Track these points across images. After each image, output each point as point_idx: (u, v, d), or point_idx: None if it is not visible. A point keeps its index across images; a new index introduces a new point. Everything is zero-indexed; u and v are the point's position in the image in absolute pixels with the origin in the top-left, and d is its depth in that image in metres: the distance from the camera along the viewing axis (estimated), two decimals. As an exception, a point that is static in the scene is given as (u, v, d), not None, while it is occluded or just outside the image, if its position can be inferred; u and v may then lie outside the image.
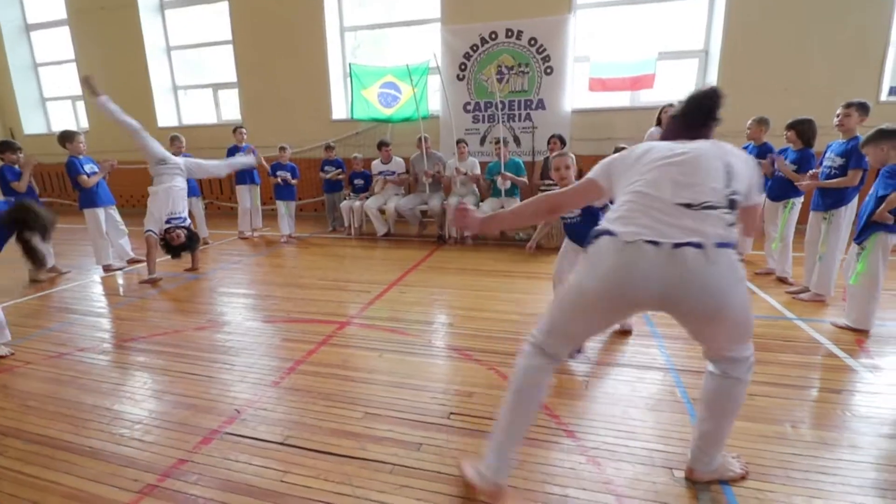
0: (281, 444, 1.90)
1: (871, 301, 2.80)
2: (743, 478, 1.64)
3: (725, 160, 1.41)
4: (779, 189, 3.94)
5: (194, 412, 2.16)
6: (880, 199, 2.74)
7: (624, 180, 1.49)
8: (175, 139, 5.68)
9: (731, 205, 1.36)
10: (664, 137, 1.59)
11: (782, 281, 3.89)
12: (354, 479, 1.68)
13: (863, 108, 3.19)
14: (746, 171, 1.44)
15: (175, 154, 5.58)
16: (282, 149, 6.16)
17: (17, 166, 4.27)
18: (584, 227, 2.80)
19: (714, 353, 1.54)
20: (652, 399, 2.15)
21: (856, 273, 2.78)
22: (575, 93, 6.75)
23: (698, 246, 1.27)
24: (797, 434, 1.90)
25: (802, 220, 3.75)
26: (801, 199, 3.85)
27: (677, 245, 1.27)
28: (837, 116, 3.26)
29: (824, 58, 5.82)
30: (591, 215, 2.92)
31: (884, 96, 5.83)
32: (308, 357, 2.68)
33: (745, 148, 4.18)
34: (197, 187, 5.96)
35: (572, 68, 6.60)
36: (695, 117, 1.55)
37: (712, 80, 6.31)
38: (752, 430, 1.91)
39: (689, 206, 1.32)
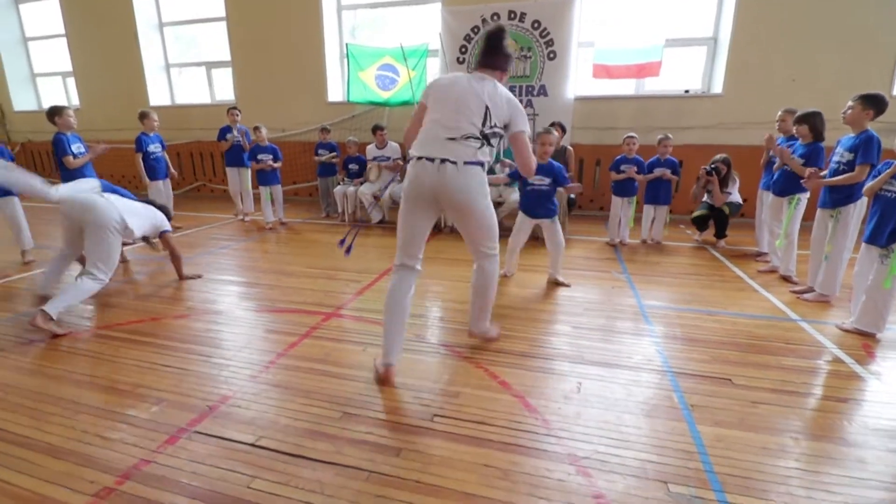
0: (252, 445, 1.78)
1: (889, 304, 2.67)
2: (497, 338, 2.63)
3: (486, 103, 2.07)
4: (784, 183, 3.79)
5: (164, 407, 2.04)
6: None
7: (429, 104, 2.16)
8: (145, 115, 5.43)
9: (486, 138, 2.09)
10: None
11: (786, 280, 3.76)
12: (327, 488, 1.57)
13: (871, 101, 2.96)
14: (506, 110, 2.12)
15: (148, 132, 5.36)
16: (256, 129, 5.75)
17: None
18: (548, 193, 3.60)
19: (476, 248, 2.34)
20: (647, 404, 2.04)
21: (891, 276, 2.62)
22: (578, 79, 6.54)
23: (453, 163, 2.03)
24: (799, 446, 1.78)
25: (809, 216, 3.61)
26: (808, 194, 3.71)
27: (442, 161, 2.04)
28: (846, 111, 3.08)
29: (836, 48, 5.62)
30: (557, 182, 3.59)
31: (897, 90, 5.65)
32: (289, 350, 2.56)
33: (779, 142, 3.98)
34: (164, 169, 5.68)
35: (576, 54, 6.38)
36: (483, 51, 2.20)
37: (721, 68, 6.11)
38: (753, 441, 1.80)
39: (452, 139, 2.05)
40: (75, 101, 9.23)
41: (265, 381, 2.24)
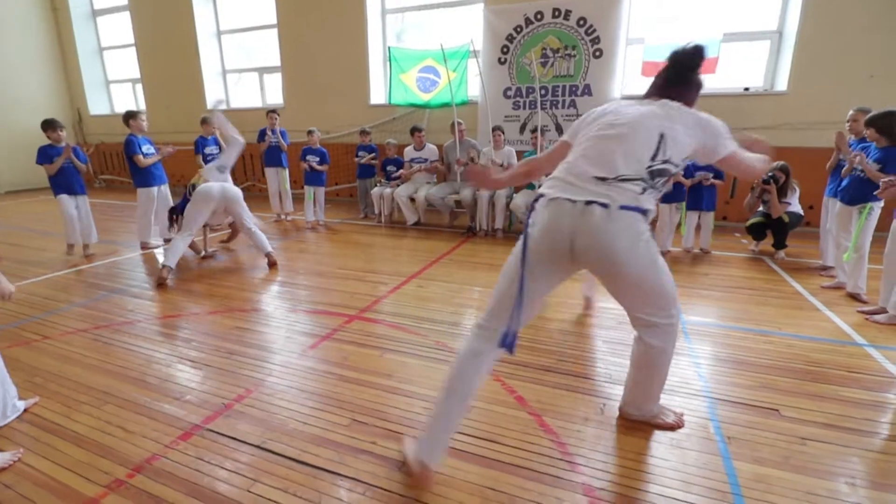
0: (257, 447, 1.78)
1: None
2: (673, 428, 1.86)
3: (662, 130, 1.56)
4: (855, 190, 3.40)
5: (184, 402, 2.10)
6: None
7: (577, 140, 1.70)
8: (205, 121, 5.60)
9: (653, 175, 1.54)
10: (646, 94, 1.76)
11: (854, 298, 3.37)
12: (324, 498, 1.53)
13: None
14: (691, 138, 1.60)
15: (206, 136, 5.54)
16: (310, 132, 6.03)
17: (60, 145, 4.43)
18: None
19: (632, 314, 1.70)
20: (678, 433, 1.85)
21: None
22: (626, 78, 6.23)
23: (604, 205, 1.48)
24: (856, 494, 1.55)
25: (882, 226, 3.22)
26: (881, 203, 3.30)
27: (588, 202, 1.49)
28: None
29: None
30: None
31: None
32: (308, 351, 2.57)
33: (850, 145, 3.63)
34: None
35: (624, 51, 6.09)
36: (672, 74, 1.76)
37: (786, 63, 5.62)
38: (798, 484, 1.59)
39: (603, 179, 1.53)
40: (142, 106, 9.92)
41: (281, 382, 2.26)
